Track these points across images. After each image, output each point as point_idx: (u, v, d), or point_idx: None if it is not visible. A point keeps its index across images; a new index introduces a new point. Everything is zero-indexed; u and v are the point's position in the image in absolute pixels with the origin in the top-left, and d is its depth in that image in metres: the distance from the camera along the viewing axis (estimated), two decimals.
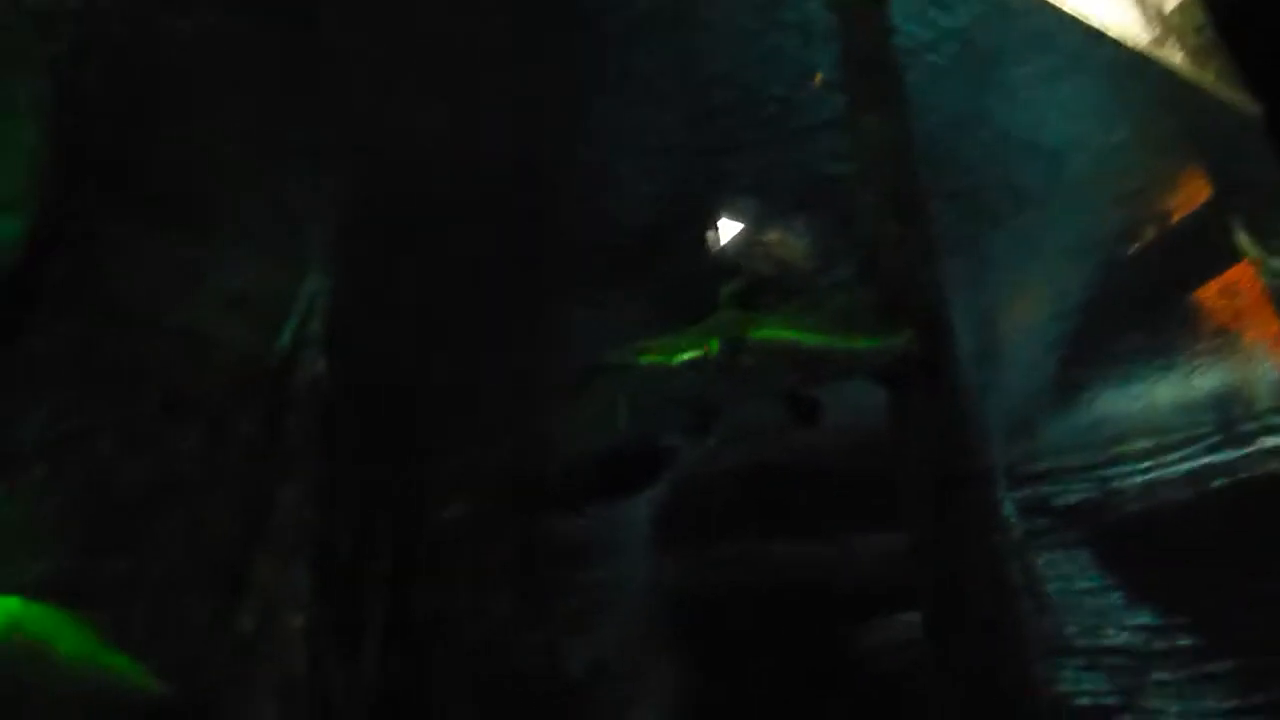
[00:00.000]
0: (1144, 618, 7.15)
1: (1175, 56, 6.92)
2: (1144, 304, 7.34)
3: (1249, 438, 6.95)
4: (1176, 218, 7.37)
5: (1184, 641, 6.97)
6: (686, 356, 3.54)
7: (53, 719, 3.22)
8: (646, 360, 3.54)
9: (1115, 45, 6.47)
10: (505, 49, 5.56)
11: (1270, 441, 6.86)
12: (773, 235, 6.50)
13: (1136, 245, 7.34)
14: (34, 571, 3.94)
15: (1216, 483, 7.00)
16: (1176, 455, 7.28)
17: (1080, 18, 6.35)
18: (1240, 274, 7.16)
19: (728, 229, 6.58)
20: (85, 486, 4.19)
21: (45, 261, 4.42)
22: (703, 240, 6.54)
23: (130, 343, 4.44)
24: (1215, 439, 7.11)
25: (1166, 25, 7.06)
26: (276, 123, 5.01)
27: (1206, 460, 7.10)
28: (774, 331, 3.82)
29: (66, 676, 3.19)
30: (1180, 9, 7.24)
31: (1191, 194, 7.31)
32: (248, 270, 4.81)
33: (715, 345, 3.55)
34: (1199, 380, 7.28)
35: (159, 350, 4.48)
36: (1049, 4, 6.26)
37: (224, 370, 4.62)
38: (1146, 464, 7.37)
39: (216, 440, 4.54)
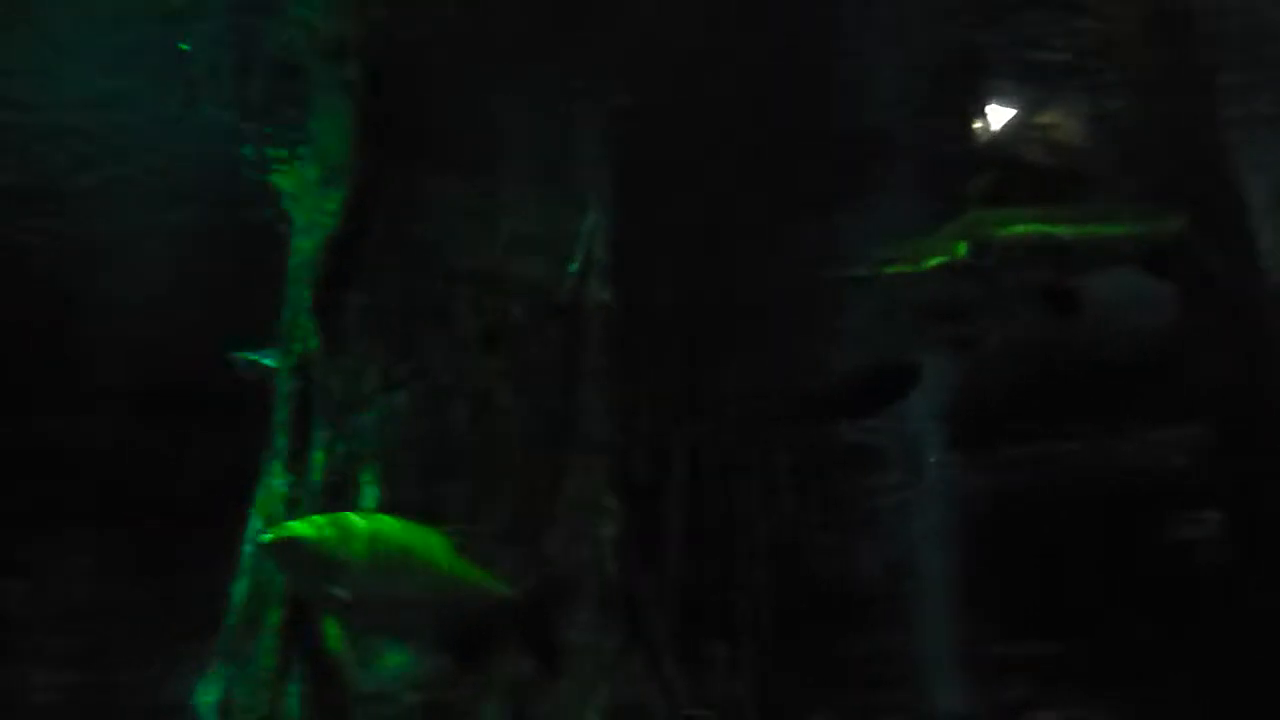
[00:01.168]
0: None
1: None
2: None
3: None
4: None
5: None
6: (934, 262, 3.40)
7: (420, 617, 3.72)
8: (893, 270, 3.44)
9: None
10: None
11: None
12: (1044, 117, 6.01)
13: None
14: (383, 496, 4.54)
15: None
16: None
17: None
18: None
19: (994, 114, 6.12)
20: (417, 421, 4.71)
21: (365, 222, 4.97)
22: (965, 129, 6.15)
23: (441, 288, 4.90)
24: None
25: None
26: (548, 73, 5.29)
27: None
28: (1026, 226, 3.59)
29: (432, 580, 3.58)
30: None
31: None
32: (534, 211, 5.13)
33: (962, 248, 3.39)
34: None
35: (465, 292, 4.91)
36: None
37: (522, 305, 4.98)
38: None
39: (522, 370, 4.92)
